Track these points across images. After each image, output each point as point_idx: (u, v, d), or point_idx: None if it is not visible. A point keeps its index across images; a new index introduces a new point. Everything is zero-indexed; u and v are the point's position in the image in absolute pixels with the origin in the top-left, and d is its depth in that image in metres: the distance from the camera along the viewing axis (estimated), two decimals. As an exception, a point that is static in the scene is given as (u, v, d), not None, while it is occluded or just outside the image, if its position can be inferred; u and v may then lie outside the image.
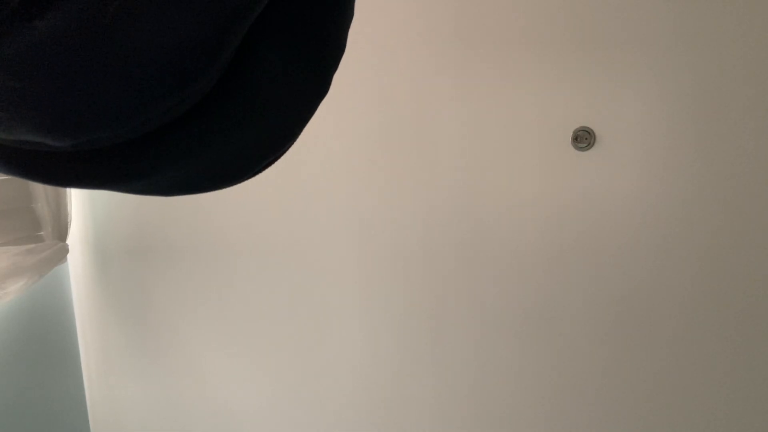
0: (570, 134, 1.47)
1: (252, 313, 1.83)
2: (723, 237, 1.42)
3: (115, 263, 1.91)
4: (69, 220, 1.80)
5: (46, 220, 1.72)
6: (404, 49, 1.56)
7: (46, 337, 1.83)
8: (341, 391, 1.80)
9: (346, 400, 1.80)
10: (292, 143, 0.46)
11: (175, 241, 1.84)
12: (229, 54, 0.32)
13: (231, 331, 1.86)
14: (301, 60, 0.39)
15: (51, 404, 1.83)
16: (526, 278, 1.58)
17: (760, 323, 1.43)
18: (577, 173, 1.49)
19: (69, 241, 1.82)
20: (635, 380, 1.55)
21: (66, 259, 1.86)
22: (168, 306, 1.90)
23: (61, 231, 1.76)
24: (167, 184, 0.41)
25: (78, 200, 1.89)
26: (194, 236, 1.82)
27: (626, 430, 1.58)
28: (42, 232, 1.73)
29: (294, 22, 0.37)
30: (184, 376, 1.94)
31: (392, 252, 1.67)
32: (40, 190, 1.69)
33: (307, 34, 0.38)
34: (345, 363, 1.78)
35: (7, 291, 1.47)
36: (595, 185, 1.48)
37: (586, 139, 1.45)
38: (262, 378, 1.86)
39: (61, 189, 1.74)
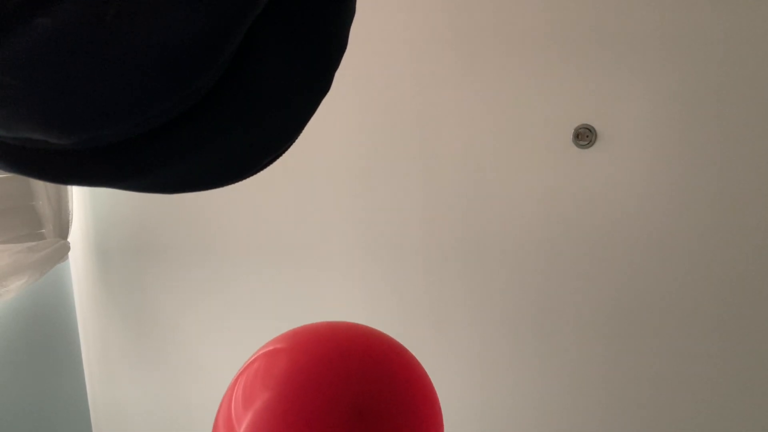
0: (571, 131, 1.47)
1: (253, 312, 1.83)
2: (725, 234, 1.42)
3: (117, 261, 1.91)
4: (70, 217, 1.80)
5: (47, 218, 1.72)
6: (406, 47, 1.56)
7: (48, 335, 1.83)
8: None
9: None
10: (294, 140, 0.46)
11: (176, 239, 1.84)
12: (230, 53, 0.32)
13: (232, 329, 1.86)
14: (302, 58, 0.39)
15: (52, 402, 1.83)
16: (527, 275, 1.58)
17: (761, 321, 1.43)
18: (579, 171, 1.48)
19: (70, 238, 1.83)
20: (636, 378, 1.55)
21: (67, 257, 1.86)
22: (169, 304, 1.90)
23: (62, 229, 1.76)
24: (169, 181, 0.41)
25: (79, 198, 1.89)
26: (196, 234, 1.82)
27: (627, 428, 1.58)
28: (43, 230, 1.73)
29: (296, 20, 0.37)
30: (185, 374, 1.94)
31: (393, 250, 1.67)
32: (41, 187, 1.69)
33: (308, 32, 0.38)
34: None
35: (8, 289, 1.48)
36: (596, 183, 1.48)
37: (588, 136, 1.45)
38: (263, 375, 1.86)
39: (62, 186, 1.74)
